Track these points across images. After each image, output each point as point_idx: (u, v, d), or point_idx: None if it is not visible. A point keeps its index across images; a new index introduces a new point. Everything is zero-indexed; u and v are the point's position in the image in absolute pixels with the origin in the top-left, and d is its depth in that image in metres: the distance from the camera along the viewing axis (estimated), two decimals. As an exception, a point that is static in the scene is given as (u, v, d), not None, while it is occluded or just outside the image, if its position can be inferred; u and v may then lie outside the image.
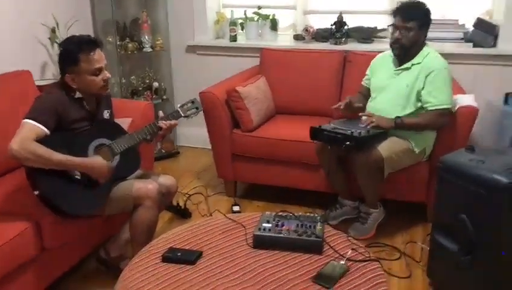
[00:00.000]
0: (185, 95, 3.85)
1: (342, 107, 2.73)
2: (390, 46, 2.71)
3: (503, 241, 1.96)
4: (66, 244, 2.21)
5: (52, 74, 3.41)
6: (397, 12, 2.64)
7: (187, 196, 3.19)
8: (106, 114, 2.38)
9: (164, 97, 3.98)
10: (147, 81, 3.97)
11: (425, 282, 2.36)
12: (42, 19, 3.26)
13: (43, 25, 3.27)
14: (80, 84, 2.16)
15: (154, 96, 3.91)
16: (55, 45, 3.29)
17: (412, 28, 2.59)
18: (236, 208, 3.06)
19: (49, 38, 3.30)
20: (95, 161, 2.13)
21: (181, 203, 3.07)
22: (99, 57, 2.16)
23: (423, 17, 2.63)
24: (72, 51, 2.11)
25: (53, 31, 3.30)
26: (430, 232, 2.35)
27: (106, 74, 2.20)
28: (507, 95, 3.27)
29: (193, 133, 4.01)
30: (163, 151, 4.00)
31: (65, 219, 2.11)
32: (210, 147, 3.27)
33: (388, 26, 2.75)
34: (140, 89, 3.93)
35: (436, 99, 2.58)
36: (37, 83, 2.90)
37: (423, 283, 2.36)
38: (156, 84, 3.94)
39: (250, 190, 3.39)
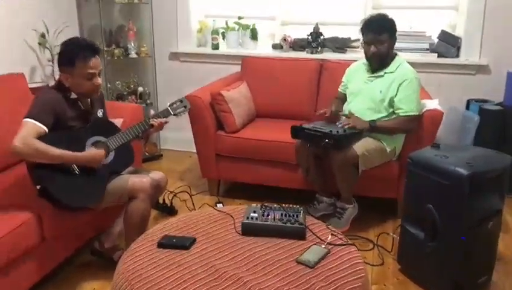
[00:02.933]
0: (168, 100, 4.00)
1: (327, 114, 2.94)
2: (369, 60, 2.94)
3: (463, 227, 2.19)
4: (63, 235, 2.35)
5: (40, 78, 3.53)
6: (368, 29, 2.87)
7: (173, 193, 3.34)
8: (100, 113, 2.51)
9: (148, 101, 4.13)
10: (132, 86, 4.12)
11: (396, 268, 2.58)
12: (33, 24, 3.39)
13: (34, 30, 3.39)
14: (72, 84, 2.28)
15: (138, 101, 4.05)
16: (46, 50, 3.42)
17: (384, 40, 2.85)
18: (219, 205, 3.21)
19: (39, 44, 3.43)
20: (91, 154, 2.26)
21: (166, 202, 3.22)
22: (94, 64, 2.28)
23: (391, 27, 2.89)
24: (71, 53, 2.25)
25: (42, 36, 3.43)
26: (400, 224, 2.58)
27: (98, 80, 2.33)
28: (468, 101, 3.57)
29: (175, 137, 4.16)
30: (147, 153, 4.13)
31: (64, 211, 2.25)
32: (191, 150, 3.39)
33: (361, 42, 2.99)
34: (125, 93, 4.07)
35: (407, 106, 2.83)
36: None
37: (394, 269, 2.58)
38: (140, 89, 4.09)
39: (232, 189, 3.57)
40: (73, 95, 2.33)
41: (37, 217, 2.18)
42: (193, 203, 3.27)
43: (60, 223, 2.29)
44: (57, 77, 3.48)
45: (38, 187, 2.19)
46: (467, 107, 3.56)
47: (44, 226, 2.20)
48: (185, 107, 2.60)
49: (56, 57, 3.37)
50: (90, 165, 2.24)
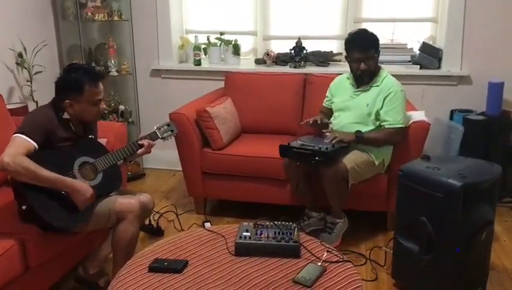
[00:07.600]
0: (150, 118, 3.95)
1: (310, 122, 2.92)
2: (359, 76, 2.92)
3: (457, 239, 2.18)
4: (48, 263, 2.24)
5: (18, 98, 3.43)
6: (354, 47, 2.87)
7: (159, 214, 3.26)
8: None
9: (130, 120, 4.05)
10: (113, 104, 4.03)
11: (391, 283, 2.55)
12: (9, 43, 3.30)
13: (11, 50, 3.30)
14: (77, 111, 2.23)
15: (120, 119, 3.97)
16: (24, 70, 3.33)
17: (372, 56, 2.86)
18: (207, 225, 3.15)
19: (17, 63, 3.33)
20: (81, 185, 2.17)
21: (152, 223, 3.13)
22: (101, 90, 2.27)
23: (376, 42, 2.91)
24: (79, 80, 2.19)
25: (20, 55, 3.34)
26: (392, 238, 2.56)
27: (103, 105, 2.33)
28: (452, 111, 3.61)
29: (157, 155, 4.06)
30: (129, 173, 4.04)
31: (49, 234, 2.15)
32: (174, 168, 3.31)
33: (344, 56, 3.01)
34: (106, 112, 3.98)
35: (392, 118, 2.84)
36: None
37: (388, 284, 2.55)
38: (122, 107, 4.01)
39: (219, 207, 3.51)
40: (66, 116, 2.26)
41: (20, 244, 2.08)
42: (180, 223, 3.19)
43: (45, 250, 2.19)
44: (35, 97, 3.40)
45: (24, 207, 2.10)
46: (451, 118, 3.59)
47: (28, 254, 2.10)
48: (172, 131, 2.56)
49: (34, 77, 3.34)
50: (75, 195, 2.14)
